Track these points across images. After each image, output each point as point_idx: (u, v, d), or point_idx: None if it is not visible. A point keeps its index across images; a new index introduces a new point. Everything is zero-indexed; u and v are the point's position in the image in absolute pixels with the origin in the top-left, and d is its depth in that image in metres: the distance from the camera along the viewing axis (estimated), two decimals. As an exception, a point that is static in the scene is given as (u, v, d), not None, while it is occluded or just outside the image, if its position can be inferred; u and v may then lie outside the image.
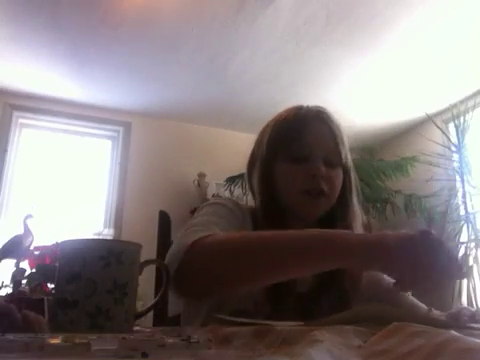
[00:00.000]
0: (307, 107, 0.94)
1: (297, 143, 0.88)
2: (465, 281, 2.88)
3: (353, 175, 0.95)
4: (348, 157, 0.93)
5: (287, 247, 0.66)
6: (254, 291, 0.82)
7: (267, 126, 0.95)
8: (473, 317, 0.66)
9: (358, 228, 0.92)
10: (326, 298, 0.87)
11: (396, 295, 0.91)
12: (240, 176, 3.02)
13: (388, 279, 0.96)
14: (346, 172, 0.93)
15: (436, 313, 0.83)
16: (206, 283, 0.68)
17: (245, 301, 0.81)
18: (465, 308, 0.70)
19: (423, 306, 0.91)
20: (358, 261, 0.63)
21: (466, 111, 3.18)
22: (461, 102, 3.30)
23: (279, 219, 0.86)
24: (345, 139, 0.92)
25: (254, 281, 0.69)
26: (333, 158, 0.89)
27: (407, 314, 0.53)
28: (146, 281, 0.94)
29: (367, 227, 1.00)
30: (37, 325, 0.53)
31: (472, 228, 3.01)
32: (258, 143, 0.96)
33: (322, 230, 0.70)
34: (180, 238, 0.71)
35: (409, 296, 0.94)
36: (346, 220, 0.90)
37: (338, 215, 0.91)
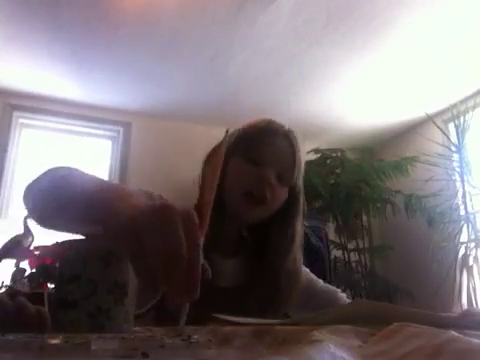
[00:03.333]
0: (280, 124, 0.98)
1: (261, 147, 0.92)
2: (465, 281, 2.88)
3: (302, 201, 0.98)
4: (299, 183, 0.97)
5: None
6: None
7: (237, 129, 0.99)
8: (473, 316, 0.66)
9: (297, 255, 0.95)
10: (254, 295, 0.88)
11: (333, 296, 0.96)
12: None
13: (317, 281, 1.02)
14: (295, 196, 0.96)
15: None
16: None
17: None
18: (470, 311, 0.70)
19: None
20: None
21: (466, 111, 3.18)
22: (461, 102, 3.30)
23: (218, 215, 0.89)
24: (301, 165, 0.97)
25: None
26: (285, 176, 0.92)
27: (408, 313, 0.53)
28: (146, 281, 0.94)
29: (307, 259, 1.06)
30: (37, 316, 0.52)
31: (472, 228, 3.01)
32: (226, 138, 1.00)
33: None
34: None
35: (345, 298, 0.99)
36: (283, 242, 0.92)
37: (275, 234, 0.93)
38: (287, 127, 0.99)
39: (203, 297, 0.85)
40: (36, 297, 0.56)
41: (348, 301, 0.97)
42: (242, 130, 0.97)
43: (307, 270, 1.04)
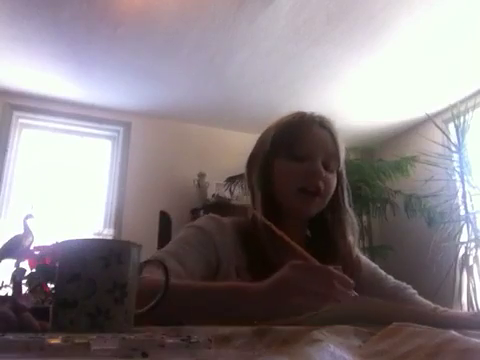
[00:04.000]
0: (311, 113, 0.98)
1: (300, 143, 0.91)
2: (465, 281, 2.88)
3: (345, 181, 0.99)
4: (342, 164, 0.97)
5: (194, 299, 0.70)
6: (237, 269, 0.85)
7: (271, 127, 0.97)
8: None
9: (350, 234, 0.96)
10: None
11: (400, 294, 0.93)
12: (240, 176, 3.02)
13: (386, 277, 0.99)
14: (339, 178, 0.97)
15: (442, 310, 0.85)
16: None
17: (231, 278, 0.84)
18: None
19: (428, 303, 0.91)
20: (258, 308, 0.65)
21: (466, 111, 3.18)
22: (461, 102, 3.30)
23: (275, 216, 0.88)
24: (343, 147, 0.96)
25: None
26: (331, 162, 0.92)
27: (407, 313, 0.53)
28: (146, 281, 0.94)
29: (361, 231, 1.03)
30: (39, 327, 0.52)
31: (472, 228, 3.01)
32: (261, 142, 0.98)
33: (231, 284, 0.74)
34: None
35: (415, 296, 0.96)
36: (340, 226, 0.94)
37: (330, 219, 0.95)
38: (317, 113, 0.98)
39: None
40: (41, 311, 0.56)
41: (420, 298, 0.95)
42: (276, 129, 0.96)
43: (376, 266, 1.02)
